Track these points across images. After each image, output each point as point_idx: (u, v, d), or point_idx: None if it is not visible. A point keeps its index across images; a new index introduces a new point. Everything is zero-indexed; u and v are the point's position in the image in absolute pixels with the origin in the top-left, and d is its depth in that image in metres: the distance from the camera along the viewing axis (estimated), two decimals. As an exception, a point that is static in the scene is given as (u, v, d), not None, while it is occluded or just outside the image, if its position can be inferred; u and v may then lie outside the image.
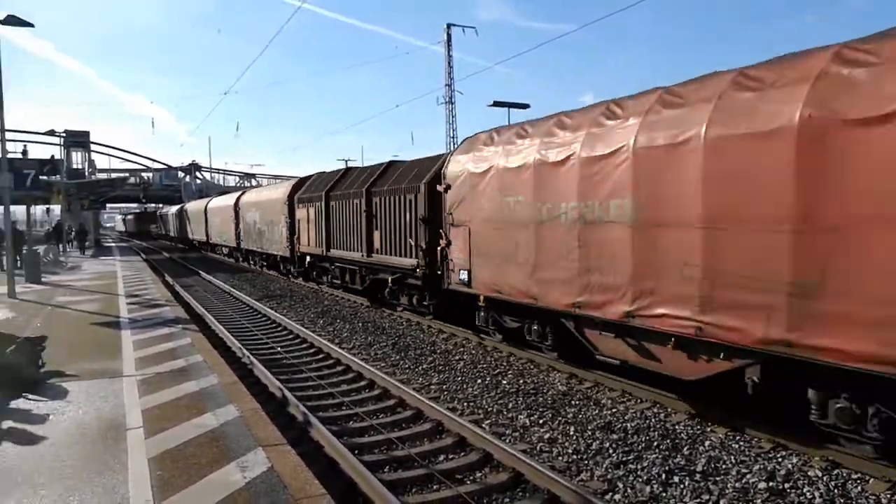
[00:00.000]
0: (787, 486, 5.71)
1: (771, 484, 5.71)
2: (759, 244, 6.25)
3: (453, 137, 48.66)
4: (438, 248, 12.35)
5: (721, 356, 6.87)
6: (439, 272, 12.46)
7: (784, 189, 5.98)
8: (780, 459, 6.25)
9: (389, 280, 14.94)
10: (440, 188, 12.15)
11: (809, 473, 5.91)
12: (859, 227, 5.48)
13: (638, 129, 7.67)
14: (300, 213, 21.66)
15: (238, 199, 31.78)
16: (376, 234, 15.75)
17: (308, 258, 21.22)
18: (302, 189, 22.24)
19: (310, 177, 23.00)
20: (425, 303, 14.02)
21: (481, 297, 11.12)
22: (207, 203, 40.70)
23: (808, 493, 5.57)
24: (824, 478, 5.81)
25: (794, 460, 6.19)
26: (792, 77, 6.20)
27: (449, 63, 48.98)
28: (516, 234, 9.83)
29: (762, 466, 6.08)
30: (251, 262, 30.64)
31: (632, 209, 7.66)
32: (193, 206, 46.59)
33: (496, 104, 34.36)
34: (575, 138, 8.75)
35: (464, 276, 11.46)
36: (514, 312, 10.65)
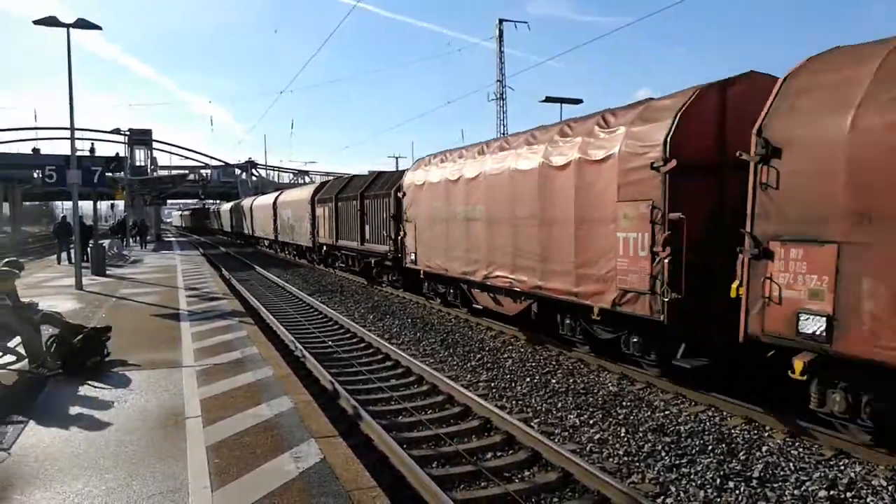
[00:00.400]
0: (849, 495, 5.50)
1: (832, 493, 5.51)
2: (527, 232, 10.82)
3: (504, 133, 48.45)
4: (399, 238, 17.01)
5: (522, 299, 11.52)
6: (399, 255, 17.10)
7: (531, 199, 10.68)
8: (842, 467, 6.02)
9: (373, 262, 20.57)
10: (400, 194, 16.84)
11: (874, 482, 5.67)
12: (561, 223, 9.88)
13: (489, 162, 12.31)
14: (318, 211, 26.88)
15: (276, 199, 36.86)
16: (367, 228, 20.84)
17: (324, 247, 26.52)
18: (321, 192, 27.48)
19: (326, 182, 29.56)
20: (393, 278, 19.27)
21: (422, 272, 15.78)
22: (252, 202, 46.29)
23: (872, 503, 5.35)
24: (889, 487, 5.57)
25: (858, 469, 5.96)
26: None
27: (500, 59, 48.78)
28: (438, 228, 14.53)
29: (822, 474, 5.87)
30: (286, 252, 36.27)
31: (485, 211, 12.32)
32: (243, 204, 51.67)
33: (548, 100, 34.00)
34: (463, 165, 13.46)
35: (412, 257, 16.11)
36: (441, 282, 15.27)
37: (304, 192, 30.40)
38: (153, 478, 4.90)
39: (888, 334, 5.52)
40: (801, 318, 6.17)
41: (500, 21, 48.21)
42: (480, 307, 13.32)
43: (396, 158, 78.82)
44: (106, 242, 29.36)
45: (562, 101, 34.03)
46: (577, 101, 34.43)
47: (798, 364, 6.17)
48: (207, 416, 6.33)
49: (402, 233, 16.79)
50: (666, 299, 7.77)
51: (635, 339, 8.91)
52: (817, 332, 6.05)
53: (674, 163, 7.61)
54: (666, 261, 7.77)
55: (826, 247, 5.95)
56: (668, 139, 7.74)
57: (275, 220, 36.74)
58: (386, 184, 19.64)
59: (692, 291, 7.65)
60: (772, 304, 6.46)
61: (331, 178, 35.73)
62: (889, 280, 5.51)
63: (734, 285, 6.82)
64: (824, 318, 5.98)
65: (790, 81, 6.54)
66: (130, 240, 39.71)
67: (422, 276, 15.94)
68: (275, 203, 36.42)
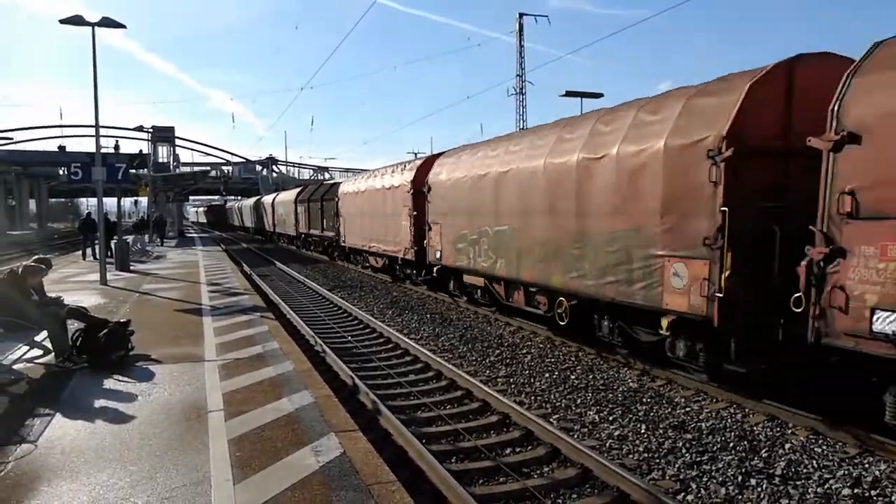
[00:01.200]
0: (874, 493, 5.41)
1: (856, 491, 5.43)
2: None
3: (523, 128, 48.23)
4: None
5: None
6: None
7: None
8: (866, 465, 5.93)
9: (326, 243, 30.39)
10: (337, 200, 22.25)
11: (899, 482, 5.58)
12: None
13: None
14: (299, 208, 36.83)
15: (273, 199, 47.18)
16: (324, 222, 30.31)
17: (302, 235, 37.14)
18: (301, 194, 37.22)
19: (307, 186, 40.47)
20: (338, 253, 28.30)
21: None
22: (258, 200, 57.85)
23: (897, 503, 5.27)
24: (916, 487, 5.48)
25: (883, 467, 5.86)
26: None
27: (520, 53, 48.47)
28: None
29: (847, 472, 5.79)
30: (279, 240, 46.54)
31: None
32: (247, 202, 64.58)
33: (568, 94, 33.81)
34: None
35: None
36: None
37: (290, 195, 40.91)
38: (177, 470, 4.97)
39: None
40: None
41: (521, 15, 47.92)
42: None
43: (415, 154, 78.92)
44: (130, 238, 29.79)
45: (582, 95, 33.82)
46: (598, 95, 34.19)
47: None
48: (229, 409, 6.41)
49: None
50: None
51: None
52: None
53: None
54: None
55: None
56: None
57: (273, 216, 46.61)
58: (329, 192, 29.62)
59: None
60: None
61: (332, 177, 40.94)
62: None
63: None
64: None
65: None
66: (155, 235, 40.21)
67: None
68: (273, 202, 46.61)
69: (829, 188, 6.06)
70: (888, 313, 5.58)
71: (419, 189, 17.14)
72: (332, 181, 34.11)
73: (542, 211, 10.79)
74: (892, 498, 5.33)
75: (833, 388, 7.11)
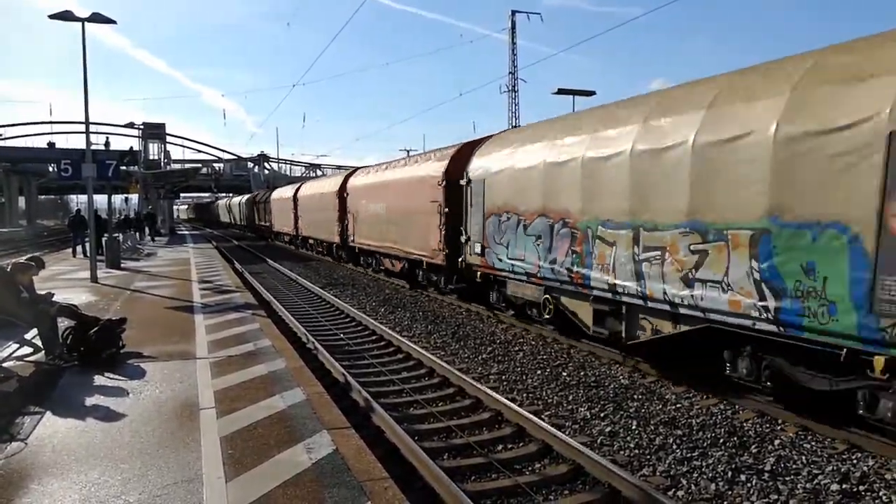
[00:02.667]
0: (861, 488, 5.47)
1: (844, 486, 5.49)
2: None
3: (516, 126, 48.28)
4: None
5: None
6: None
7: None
8: (854, 461, 5.99)
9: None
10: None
11: (887, 476, 5.64)
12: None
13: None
14: (273, 206, 42.07)
15: (252, 197, 54.67)
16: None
17: (274, 230, 43.17)
18: (272, 193, 44.50)
19: (276, 188, 47.02)
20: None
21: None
22: (237, 199, 64.68)
23: (884, 497, 5.32)
24: (903, 482, 5.54)
25: (871, 462, 5.92)
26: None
27: (513, 51, 48.62)
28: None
29: (835, 468, 5.84)
30: (253, 233, 53.85)
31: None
32: (232, 201, 69.93)
33: (560, 92, 33.90)
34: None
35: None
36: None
37: (259, 195, 49.61)
38: (168, 468, 4.96)
39: None
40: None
41: (513, 12, 48.06)
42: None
43: (408, 151, 78.80)
44: (121, 236, 29.64)
45: (574, 92, 33.92)
46: (591, 93, 34.31)
47: None
48: (221, 407, 6.40)
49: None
50: None
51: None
52: None
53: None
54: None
55: None
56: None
57: (250, 212, 54.20)
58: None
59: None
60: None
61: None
62: None
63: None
64: None
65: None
66: (146, 231, 39.83)
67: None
68: (252, 200, 53.34)
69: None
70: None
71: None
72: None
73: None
74: (880, 493, 5.39)
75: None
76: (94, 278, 17.16)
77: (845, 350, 6.07)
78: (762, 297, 6.77)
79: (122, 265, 21.73)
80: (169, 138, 71.83)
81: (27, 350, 8.25)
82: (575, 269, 9.96)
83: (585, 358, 9.99)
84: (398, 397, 8.27)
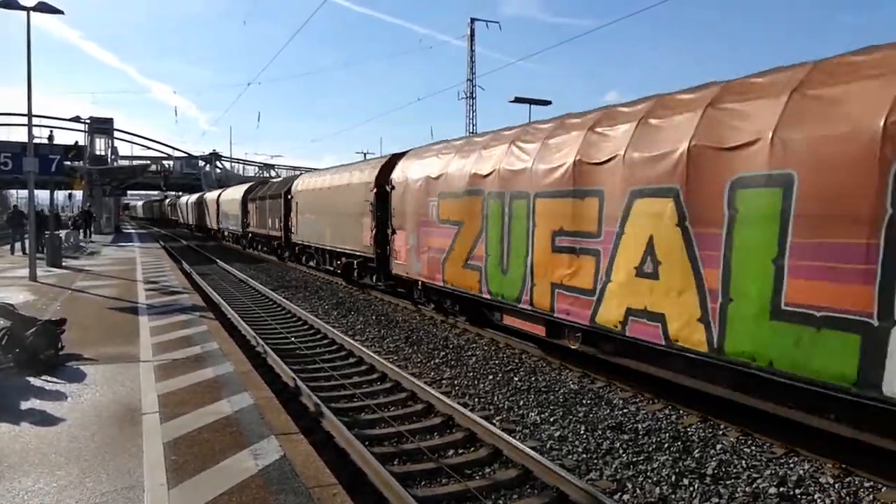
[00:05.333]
0: (798, 491, 5.67)
1: (782, 489, 5.68)
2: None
3: (473, 132, 48.52)
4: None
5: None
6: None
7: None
8: (791, 465, 6.21)
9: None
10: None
11: (821, 480, 5.87)
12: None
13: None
14: (250, 206, 35.28)
15: (213, 194, 49.15)
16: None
17: (234, 231, 39.68)
18: (251, 192, 35.60)
19: (256, 186, 37.16)
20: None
21: None
22: (185, 199, 64.03)
23: (819, 500, 5.53)
24: (836, 485, 5.77)
25: (807, 466, 6.15)
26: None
27: (471, 58, 48.79)
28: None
29: (773, 472, 6.05)
30: (222, 236, 46.22)
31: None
32: (180, 200, 68.89)
33: (517, 100, 34.26)
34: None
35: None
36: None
37: (239, 191, 40.64)
38: (107, 475, 4.79)
39: None
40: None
41: (472, 20, 48.26)
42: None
43: (364, 154, 78.38)
44: (63, 233, 28.60)
45: (531, 101, 34.35)
46: (547, 103, 34.81)
47: None
48: (165, 411, 6.22)
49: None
50: None
51: None
52: None
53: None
54: None
55: None
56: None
57: (216, 212, 47.27)
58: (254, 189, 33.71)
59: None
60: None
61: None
62: None
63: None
64: None
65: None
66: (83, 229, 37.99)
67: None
68: (217, 199, 46.53)
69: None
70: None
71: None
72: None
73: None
74: (815, 496, 5.60)
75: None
76: (32, 276, 16.52)
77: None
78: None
79: (64, 264, 20.96)
80: (117, 134, 69.45)
81: (-42, 351, 7.87)
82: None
83: (536, 363, 10.09)
84: (349, 402, 8.19)
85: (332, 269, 21.15)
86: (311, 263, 24.04)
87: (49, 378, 7.44)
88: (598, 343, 8.95)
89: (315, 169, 36.79)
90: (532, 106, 34.12)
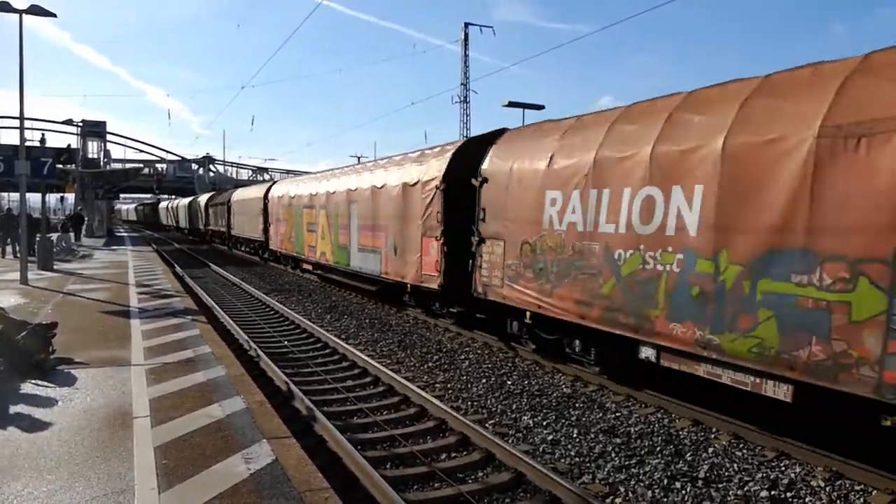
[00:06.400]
0: (789, 495, 5.70)
1: (773, 493, 5.71)
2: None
3: (466, 136, 48.59)
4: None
5: None
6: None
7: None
8: (783, 468, 6.24)
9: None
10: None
11: (812, 483, 5.90)
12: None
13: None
14: (211, 210, 42.76)
15: (195, 201, 53.57)
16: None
17: (213, 231, 43.84)
18: (211, 197, 43.68)
19: (220, 192, 44.24)
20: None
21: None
22: (175, 203, 66.96)
23: (810, 503, 5.56)
24: (827, 488, 5.80)
25: (798, 470, 6.18)
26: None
27: (465, 62, 48.99)
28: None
29: (765, 475, 6.07)
30: (194, 236, 53.13)
31: None
32: (169, 203, 72.23)
33: (511, 104, 34.22)
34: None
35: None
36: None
37: (203, 198, 47.78)
38: (98, 479, 4.77)
39: None
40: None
41: (466, 25, 48.46)
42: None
43: (358, 158, 78.40)
44: (54, 236, 28.44)
45: (524, 106, 34.31)
46: (540, 107, 34.75)
47: None
48: (156, 415, 6.19)
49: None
50: None
51: None
52: None
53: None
54: None
55: None
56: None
57: (191, 215, 53.89)
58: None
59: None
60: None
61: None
62: None
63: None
64: None
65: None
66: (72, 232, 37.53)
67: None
68: (189, 204, 54.15)
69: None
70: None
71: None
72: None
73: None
74: (806, 500, 5.62)
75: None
76: (24, 280, 16.40)
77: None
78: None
79: (56, 267, 20.85)
80: (110, 137, 69.12)
81: (-53, 355, 7.81)
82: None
83: (530, 367, 10.10)
84: (342, 406, 8.17)
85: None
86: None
87: (40, 382, 7.40)
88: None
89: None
90: (525, 110, 34.09)
